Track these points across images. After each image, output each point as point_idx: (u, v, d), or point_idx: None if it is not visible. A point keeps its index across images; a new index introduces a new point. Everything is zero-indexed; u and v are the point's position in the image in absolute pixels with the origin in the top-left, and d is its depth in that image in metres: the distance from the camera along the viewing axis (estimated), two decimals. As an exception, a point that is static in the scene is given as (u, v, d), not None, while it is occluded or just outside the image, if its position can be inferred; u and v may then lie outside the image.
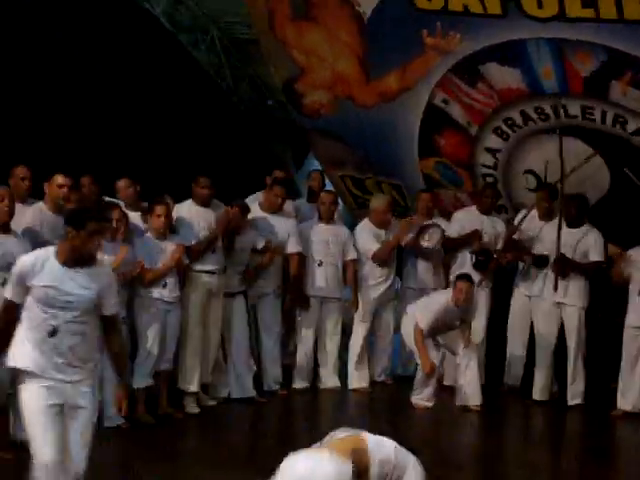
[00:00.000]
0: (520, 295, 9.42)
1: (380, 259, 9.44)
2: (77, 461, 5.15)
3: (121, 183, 8.52)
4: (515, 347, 9.45)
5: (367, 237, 9.52)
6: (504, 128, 9.62)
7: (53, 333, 5.05)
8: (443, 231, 9.58)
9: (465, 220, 9.70)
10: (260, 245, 8.75)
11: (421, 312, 8.70)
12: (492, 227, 9.64)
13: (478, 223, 9.61)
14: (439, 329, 8.74)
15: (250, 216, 8.83)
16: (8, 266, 6.52)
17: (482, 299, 9.41)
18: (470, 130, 9.83)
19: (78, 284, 5.08)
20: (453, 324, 8.77)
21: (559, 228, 9.00)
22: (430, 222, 9.66)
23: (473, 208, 9.80)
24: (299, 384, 9.31)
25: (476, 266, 9.40)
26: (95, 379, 5.30)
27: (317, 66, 10.11)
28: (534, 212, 9.32)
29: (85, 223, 5.05)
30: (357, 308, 9.47)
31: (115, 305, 5.34)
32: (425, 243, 9.51)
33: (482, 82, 9.38)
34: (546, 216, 9.25)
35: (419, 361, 8.71)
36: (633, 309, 8.71)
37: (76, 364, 5.12)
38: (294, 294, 9.18)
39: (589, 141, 9.31)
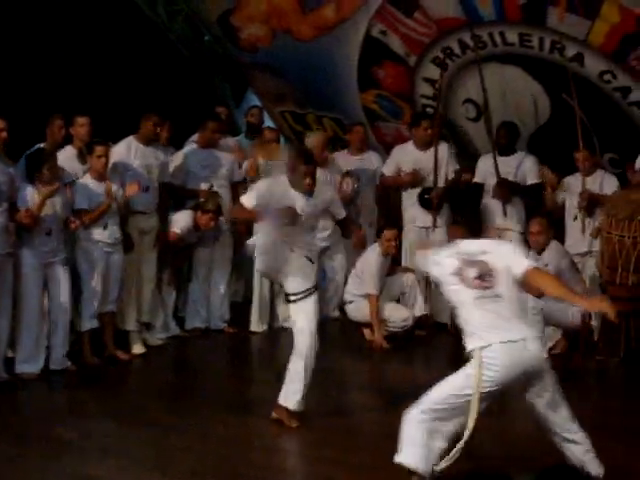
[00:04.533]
0: None
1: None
2: None
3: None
4: None
5: None
6: (443, 58, 9.56)
7: None
8: (358, 178, 9.42)
9: (401, 157, 9.38)
10: None
11: (362, 285, 8.71)
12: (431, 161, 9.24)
13: (415, 160, 9.24)
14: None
15: (191, 154, 8.86)
16: None
17: (439, 238, 9.21)
18: (409, 61, 9.78)
19: None
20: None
21: (494, 156, 9.02)
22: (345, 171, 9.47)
23: (410, 144, 9.40)
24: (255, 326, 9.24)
25: (423, 205, 9.30)
26: None
27: (252, -2, 10.04)
28: None
29: None
30: None
31: None
32: (343, 193, 9.38)
33: (419, 12, 9.35)
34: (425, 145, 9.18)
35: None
36: (570, 236, 8.78)
37: None
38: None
39: (529, 69, 9.33)
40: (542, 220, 8.27)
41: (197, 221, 8.53)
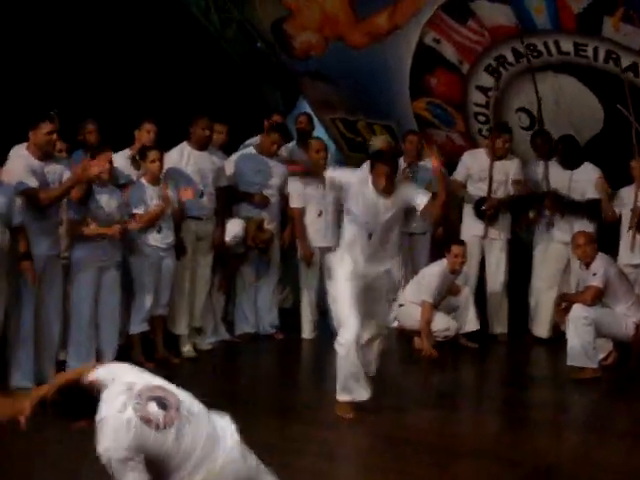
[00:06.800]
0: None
1: None
2: None
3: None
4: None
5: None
6: (496, 66, 9.53)
7: None
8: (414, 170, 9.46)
9: (472, 163, 9.34)
10: None
11: (419, 292, 8.69)
12: (504, 172, 9.18)
13: (485, 168, 9.16)
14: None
15: (247, 158, 8.97)
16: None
17: (496, 252, 9.30)
18: (462, 69, 9.75)
19: None
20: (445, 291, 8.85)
21: (545, 166, 8.99)
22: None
23: (481, 151, 9.43)
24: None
25: (478, 216, 9.26)
26: None
27: (305, 7, 10.03)
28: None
29: None
30: None
31: None
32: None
33: (473, 20, 9.32)
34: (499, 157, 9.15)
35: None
36: (624, 247, 8.68)
37: None
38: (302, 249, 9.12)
39: (583, 78, 9.26)
40: (586, 232, 8.22)
41: (248, 235, 8.61)
